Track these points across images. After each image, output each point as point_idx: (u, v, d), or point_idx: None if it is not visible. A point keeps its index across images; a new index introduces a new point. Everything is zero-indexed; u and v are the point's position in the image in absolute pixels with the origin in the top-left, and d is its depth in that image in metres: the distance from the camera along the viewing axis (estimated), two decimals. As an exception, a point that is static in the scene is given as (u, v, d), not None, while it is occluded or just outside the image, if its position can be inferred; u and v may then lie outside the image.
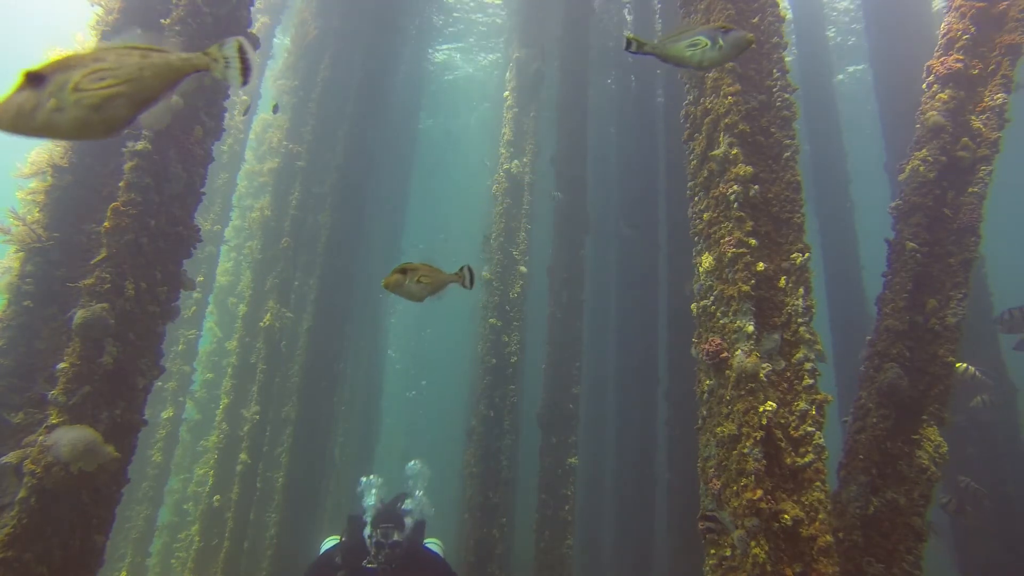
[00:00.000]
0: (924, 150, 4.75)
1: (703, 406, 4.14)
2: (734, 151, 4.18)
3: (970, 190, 4.62)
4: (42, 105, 1.66)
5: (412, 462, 6.55)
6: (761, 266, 3.95)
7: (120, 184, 4.12)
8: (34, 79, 1.66)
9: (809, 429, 3.71)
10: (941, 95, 4.76)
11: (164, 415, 9.41)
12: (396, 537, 5.22)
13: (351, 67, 10.63)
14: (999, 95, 4.61)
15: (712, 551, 3.70)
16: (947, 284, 4.55)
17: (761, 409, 3.62)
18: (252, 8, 5.05)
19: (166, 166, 4.30)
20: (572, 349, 8.21)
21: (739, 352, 3.77)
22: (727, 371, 3.87)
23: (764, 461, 3.54)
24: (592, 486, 11.11)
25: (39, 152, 5.34)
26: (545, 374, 8.15)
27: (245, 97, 10.97)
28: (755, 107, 4.41)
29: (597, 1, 12.17)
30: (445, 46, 18.75)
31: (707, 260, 4.24)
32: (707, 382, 4.09)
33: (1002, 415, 7.87)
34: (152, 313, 4.24)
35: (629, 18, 13.09)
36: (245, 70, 2.00)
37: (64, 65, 1.70)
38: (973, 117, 4.68)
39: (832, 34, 16.82)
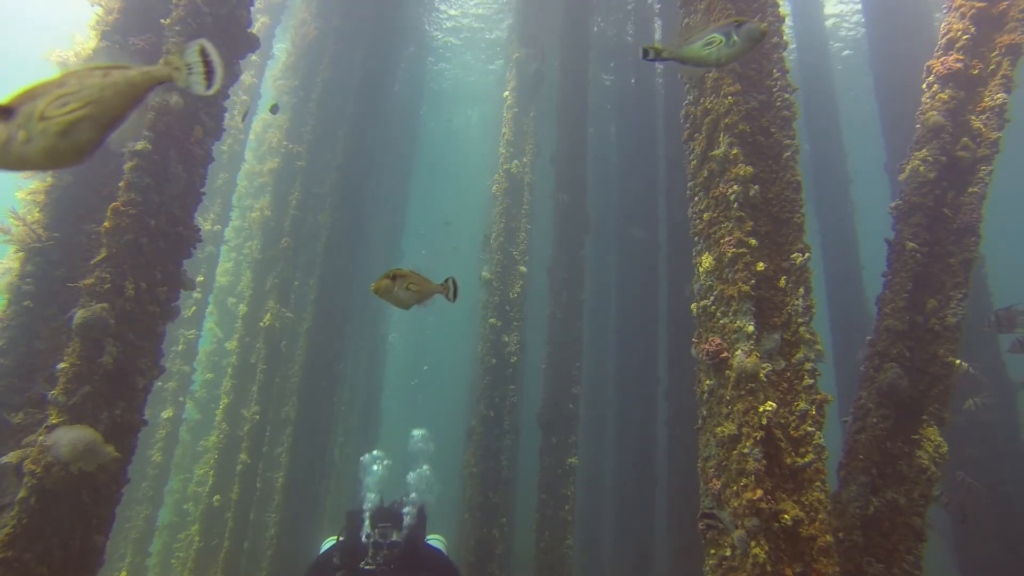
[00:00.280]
0: (924, 150, 4.75)
1: (703, 406, 4.14)
2: (734, 151, 4.18)
3: (970, 190, 4.62)
4: (13, 138, 1.63)
5: (417, 431, 6.45)
6: (761, 266, 3.95)
7: (120, 184, 4.12)
8: (3, 112, 1.63)
9: (809, 429, 3.71)
10: (941, 95, 4.76)
11: (164, 415, 9.41)
12: (395, 537, 5.15)
13: (351, 67, 10.63)
14: (999, 95, 4.61)
15: (712, 551, 3.70)
16: (947, 284, 4.55)
17: (761, 409, 3.62)
18: (252, 8, 5.05)
19: (166, 166, 4.30)
20: (572, 349, 8.20)
21: (739, 352, 3.77)
22: (727, 371, 3.87)
23: (764, 461, 3.54)
24: (592, 486, 11.11)
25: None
26: (545, 374, 8.15)
27: (245, 97, 10.98)
28: (755, 107, 4.41)
29: (597, 1, 12.18)
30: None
31: (707, 260, 4.24)
32: (707, 382, 4.09)
33: (1002, 415, 7.87)
34: (152, 313, 4.24)
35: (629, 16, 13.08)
36: (209, 74, 1.95)
37: (30, 95, 1.67)
38: (973, 117, 4.68)
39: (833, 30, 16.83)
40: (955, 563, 7.88)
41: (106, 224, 4.01)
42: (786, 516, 3.45)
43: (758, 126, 4.39)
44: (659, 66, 11.90)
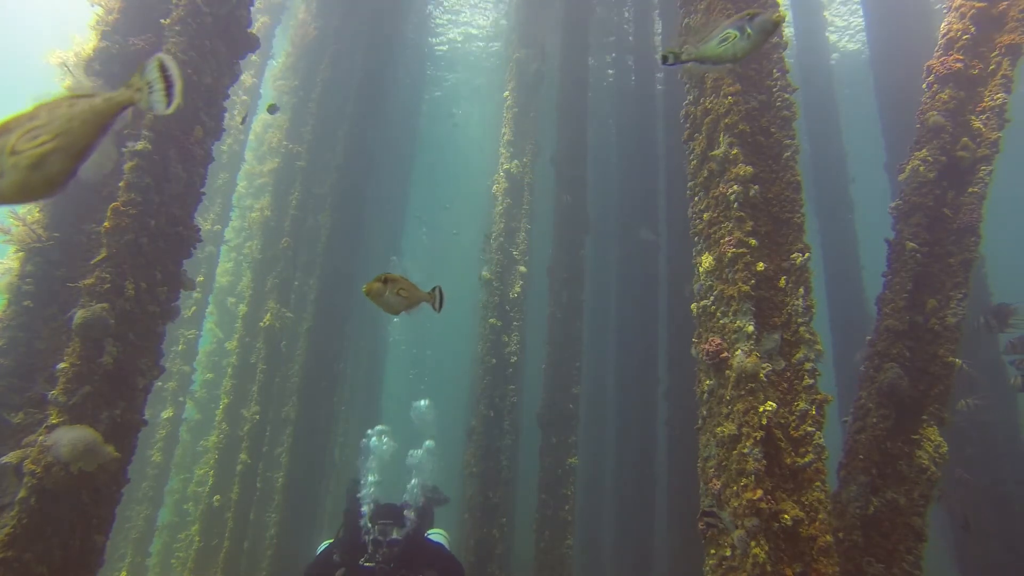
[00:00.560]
0: (924, 150, 4.75)
1: (703, 406, 4.14)
2: (734, 151, 4.18)
3: (970, 190, 4.62)
4: None
5: (421, 401, 6.39)
6: (761, 266, 3.95)
7: (120, 184, 4.12)
8: None
9: (809, 429, 3.71)
10: (941, 95, 4.76)
11: (164, 415, 9.41)
12: (395, 535, 5.09)
13: (351, 67, 10.63)
14: (999, 95, 4.61)
15: (712, 551, 3.70)
16: (947, 284, 4.55)
17: (761, 409, 3.62)
18: (252, 8, 5.05)
19: (166, 166, 4.30)
20: (572, 349, 8.20)
21: (739, 352, 3.77)
22: (727, 371, 3.87)
23: (764, 461, 3.54)
24: (592, 486, 11.11)
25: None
26: (545, 374, 8.15)
27: (245, 97, 10.98)
28: (755, 107, 4.41)
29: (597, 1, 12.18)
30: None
31: (707, 260, 4.24)
32: (707, 382, 4.09)
33: (1002, 415, 7.87)
34: (152, 313, 4.24)
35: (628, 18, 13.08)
36: (169, 88, 1.93)
37: (2, 130, 1.67)
38: (973, 117, 4.68)
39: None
40: (955, 563, 7.88)
41: (106, 224, 4.01)
42: (786, 516, 3.45)
43: (758, 126, 4.39)
44: (667, 68, 11.90)
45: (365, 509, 5.32)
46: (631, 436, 10.05)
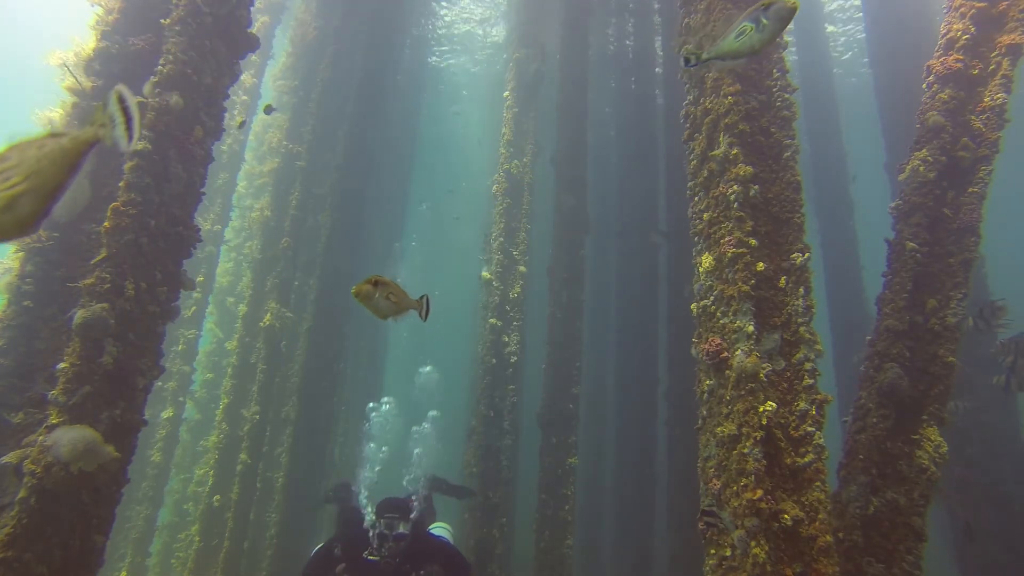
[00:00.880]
0: (924, 150, 4.75)
1: (703, 406, 4.14)
2: (734, 151, 4.18)
3: (970, 190, 4.62)
4: None
5: (425, 368, 6.33)
6: (761, 266, 3.95)
7: (120, 184, 4.12)
8: None
9: (809, 429, 3.71)
10: (941, 95, 4.76)
11: (164, 415, 9.42)
12: (401, 528, 4.98)
13: (351, 67, 10.63)
14: (999, 95, 4.61)
15: (712, 551, 3.70)
16: (947, 284, 4.55)
17: (761, 409, 3.62)
18: (252, 8, 5.05)
19: (166, 166, 4.30)
20: (572, 349, 8.20)
21: (739, 352, 3.77)
22: (727, 371, 3.87)
23: (764, 461, 3.54)
24: (592, 486, 11.10)
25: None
26: (545, 374, 8.15)
27: (245, 97, 10.98)
28: (755, 107, 4.41)
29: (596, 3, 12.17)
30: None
31: (707, 260, 4.24)
32: (707, 382, 4.09)
33: (1002, 415, 7.87)
34: (152, 313, 4.24)
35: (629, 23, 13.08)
36: (128, 121, 1.94)
37: None
38: (973, 117, 4.68)
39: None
40: (955, 563, 7.87)
41: (106, 224, 4.01)
42: (786, 516, 3.45)
43: (758, 126, 4.39)
44: (666, 68, 11.90)
45: (364, 498, 5.23)
46: (631, 436, 10.04)
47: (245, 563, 8.14)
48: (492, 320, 8.00)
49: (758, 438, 3.56)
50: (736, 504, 3.57)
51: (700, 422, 4.15)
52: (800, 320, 3.93)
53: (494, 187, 8.89)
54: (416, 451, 5.16)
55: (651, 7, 11.79)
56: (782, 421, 3.72)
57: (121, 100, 1.93)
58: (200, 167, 4.62)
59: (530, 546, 7.36)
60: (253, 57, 10.75)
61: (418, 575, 4.95)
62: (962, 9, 4.85)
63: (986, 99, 4.67)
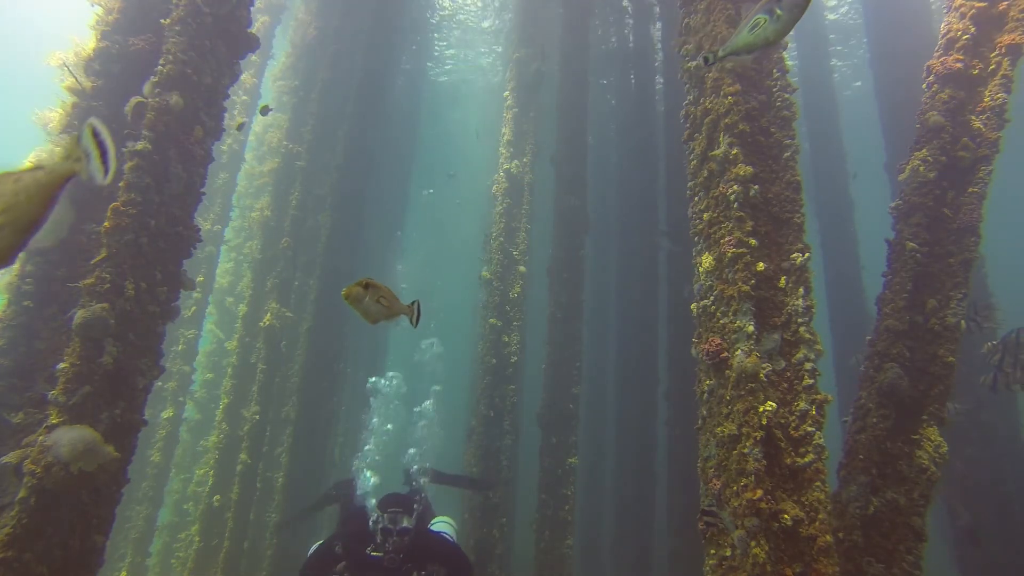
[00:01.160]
0: (924, 150, 4.75)
1: (703, 406, 4.14)
2: (734, 151, 4.18)
3: (970, 190, 4.62)
4: None
5: (428, 340, 6.27)
6: (761, 266, 3.95)
7: (120, 184, 4.12)
8: None
9: (809, 429, 3.71)
10: (941, 95, 4.76)
11: (164, 415, 9.42)
12: (406, 523, 4.84)
13: (351, 67, 10.63)
14: (999, 95, 4.61)
15: (712, 551, 3.70)
16: (947, 284, 4.55)
17: (761, 409, 3.62)
18: (252, 8, 5.06)
19: (166, 166, 4.30)
20: (572, 349, 8.20)
21: (739, 352, 3.77)
22: (727, 371, 3.87)
23: (764, 461, 3.54)
24: (592, 486, 11.10)
25: (39, 151, 5.35)
26: (545, 374, 8.15)
27: (245, 97, 10.98)
28: (755, 107, 4.41)
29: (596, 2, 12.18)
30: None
31: (707, 260, 4.24)
32: (707, 382, 4.09)
33: (1002, 415, 7.87)
34: (152, 313, 4.24)
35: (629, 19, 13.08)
36: (103, 155, 1.93)
37: None
38: (973, 117, 4.68)
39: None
40: (955, 563, 7.87)
41: (106, 224, 4.01)
42: (786, 516, 3.45)
43: (758, 126, 4.39)
44: (666, 68, 11.89)
45: (368, 480, 5.12)
46: (631, 436, 10.04)
47: (245, 563, 8.14)
48: (492, 320, 8.00)
49: (758, 438, 3.56)
50: (736, 504, 3.57)
51: (700, 422, 4.15)
52: (800, 320, 3.93)
53: (494, 187, 8.89)
54: (420, 424, 5.08)
55: (651, 7, 11.79)
56: (782, 421, 3.72)
57: (95, 134, 1.92)
58: (200, 167, 4.62)
59: (530, 546, 7.36)
60: (253, 57, 10.75)
61: (420, 575, 4.90)
62: (962, 9, 4.84)
63: (986, 99, 4.67)
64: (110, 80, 5.00)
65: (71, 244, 4.61)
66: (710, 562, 3.68)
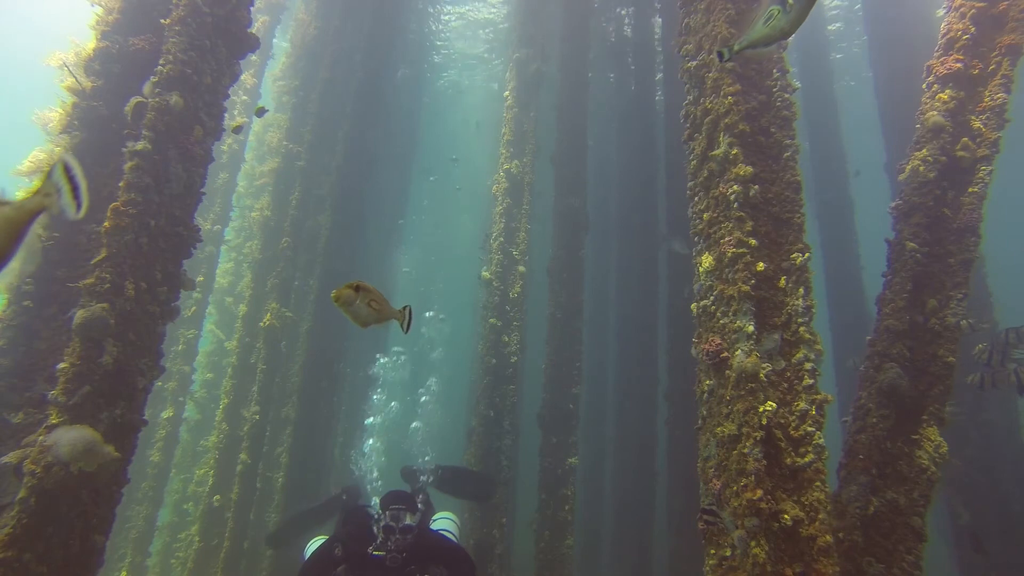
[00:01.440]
0: (924, 150, 4.75)
1: (703, 406, 4.14)
2: (734, 151, 4.18)
3: (970, 190, 4.62)
4: None
5: (430, 312, 6.20)
6: (761, 266, 3.95)
7: (120, 184, 4.12)
8: None
9: (809, 429, 3.71)
10: (941, 95, 4.76)
11: (164, 415, 9.42)
12: (408, 520, 4.76)
13: (351, 67, 10.63)
14: (999, 95, 4.61)
15: (712, 551, 3.70)
16: (947, 284, 4.55)
17: (761, 409, 3.62)
18: (252, 8, 5.05)
19: (166, 166, 4.30)
20: (572, 349, 8.20)
21: (739, 352, 3.77)
22: (727, 371, 3.87)
23: (764, 461, 3.54)
24: (592, 486, 11.11)
25: (39, 151, 5.34)
26: (545, 374, 8.15)
27: (245, 97, 10.98)
28: (755, 107, 4.41)
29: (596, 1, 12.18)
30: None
31: (707, 260, 4.24)
32: (707, 382, 4.09)
33: (1002, 415, 7.87)
34: (152, 313, 4.24)
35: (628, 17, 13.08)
36: (75, 190, 1.94)
37: None
38: (973, 117, 4.68)
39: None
40: (955, 563, 7.88)
41: (106, 224, 4.01)
42: (786, 516, 3.45)
43: (758, 126, 4.39)
44: (666, 68, 11.90)
45: (374, 466, 5.01)
46: (631, 436, 10.05)
47: (245, 563, 8.14)
48: (492, 320, 8.00)
49: (758, 438, 3.56)
50: (736, 504, 3.57)
51: (700, 422, 4.15)
52: (800, 320, 3.93)
53: (494, 187, 8.89)
54: (423, 399, 5.06)
55: (651, 7, 11.79)
56: (782, 421, 3.72)
57: (67, 170, 1.93)
58: (200, 167, 4.62)
59: (530, 546, 7.36)
60: (253, 57, 10.75)
61: None
62: (962, 9, 4.85)
63: (986, 99, 4.67)
64: (110, 80, 4.99)
65: (71, 244, 4.61)
66: (710, 562, 3.69)
